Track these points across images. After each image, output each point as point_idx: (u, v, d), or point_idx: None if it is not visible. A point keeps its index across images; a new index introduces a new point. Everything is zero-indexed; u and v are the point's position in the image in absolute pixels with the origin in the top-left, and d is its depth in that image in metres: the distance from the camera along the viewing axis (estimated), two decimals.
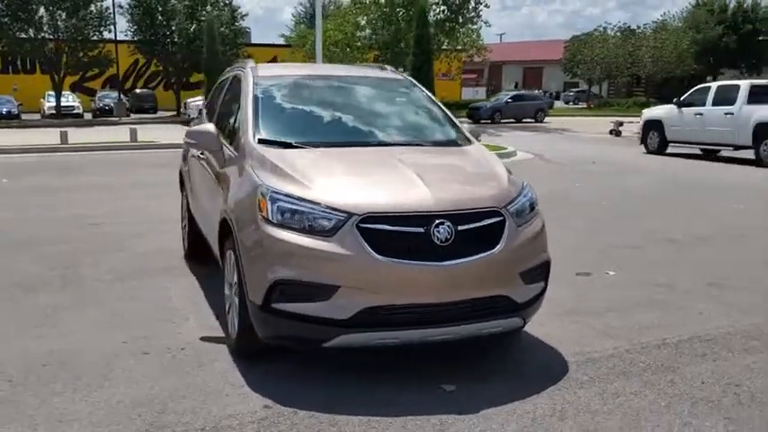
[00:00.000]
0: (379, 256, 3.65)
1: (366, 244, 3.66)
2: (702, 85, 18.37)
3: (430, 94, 5.56)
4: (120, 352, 4.40)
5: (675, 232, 8.23)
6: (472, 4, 36.49)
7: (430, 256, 3.71)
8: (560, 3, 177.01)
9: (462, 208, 3.86)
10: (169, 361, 4.26)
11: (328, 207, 3.76)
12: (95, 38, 37.49)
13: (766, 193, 11.90)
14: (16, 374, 4.03)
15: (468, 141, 4.99)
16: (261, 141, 4.52)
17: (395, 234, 3.71)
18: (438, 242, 3.72)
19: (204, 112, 6.48)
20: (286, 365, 4.16)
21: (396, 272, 3.68)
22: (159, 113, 42.08)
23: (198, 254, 6.54)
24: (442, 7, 37.04)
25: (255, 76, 5.15)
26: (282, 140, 4.55)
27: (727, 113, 16.26)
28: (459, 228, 3.78)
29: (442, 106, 5.40)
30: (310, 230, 3.76)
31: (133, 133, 20.66)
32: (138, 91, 46.11)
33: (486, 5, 36.63)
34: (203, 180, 5.39)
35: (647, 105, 41.29)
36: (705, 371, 4.16)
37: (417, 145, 4.79)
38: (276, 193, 3.90)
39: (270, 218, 3.86)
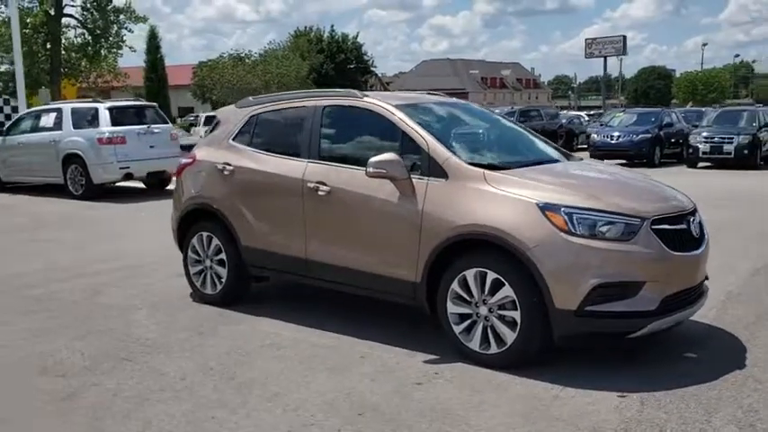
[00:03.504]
0: (671, 251, 4.41)
1: (661, 242, 4.38)
2: None
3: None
4: (383, 392, 4.29)
5: None
6: (114, 29, 35.05)
7: (693, 246, 4.60)
8: (138, 28, 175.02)
9: (693, 206, 4.82)
10: (454, 386, 4.32)
11: (622, 214, 4.37)
12: None
13: None
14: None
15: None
16: (472, 165, 4.80)
17: (672, 231, 4.49)
18: (695, 234, 4.62)
19: (249, 147, 5.98)
20: (559, 365, 4.56)
21: (681, 262, 4.48)
22: None
23: (238, 296, 6.13)
24: (81, 31, 34.97)
25: (393, 105, 5.26)
26: (488, 163, 4.89)
27: None
28: (699, 221, 4.74)
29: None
30: (610, 236, 4.32)
31: None
32: None
33: (130, 30, 35.48)
34: (346, 212, 5.21)
35: None
36: None
37: (560, 160, 5.49)
38: (569, 207, 4.35)
39: (572, 230, 4.30)
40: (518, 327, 4.43)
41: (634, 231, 4.34)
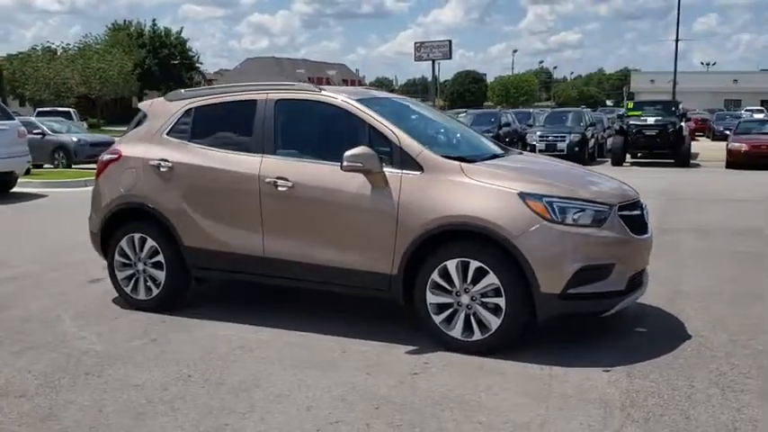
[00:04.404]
0: (634, 235, 4.79)
1: (626, 227, 4.75)
2: None
3: None
4: (387, 385, 4.31)
5: None
6: None
7: (644, 230, 5.01)
8: None
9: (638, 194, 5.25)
10: (451, 374, 4.42)
11: (595, 201, 4.69)
12: None
13: None
14: None
15: None
16: (444, 158, 4.92)
17: (630, 217, 4.88)
18: (646, 220, 5.05)
19: (190, 142, 5.65)
20: (535, 346, 4.79)
21: (639, 245, 4.88)
22: None
23: (175, 299, 5.82)
24: None
25: (355, 99, 5.24)
26: (458, 156, 5.03)
27: None
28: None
29: None
30: (585, 222, 4.62)
31: None
32: None
33: None
34: (312, 207, 5.09)
35: (98, 127, 41.82)
36: None
37: (506, 153, 5.71)
38: (548, 196, 4.60)
39: (553, 218, 4.55)
40: (503, 312, 4.60)
41: (605, 217, 4.66)
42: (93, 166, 20.85)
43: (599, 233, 4.62)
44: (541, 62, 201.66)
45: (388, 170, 4.89)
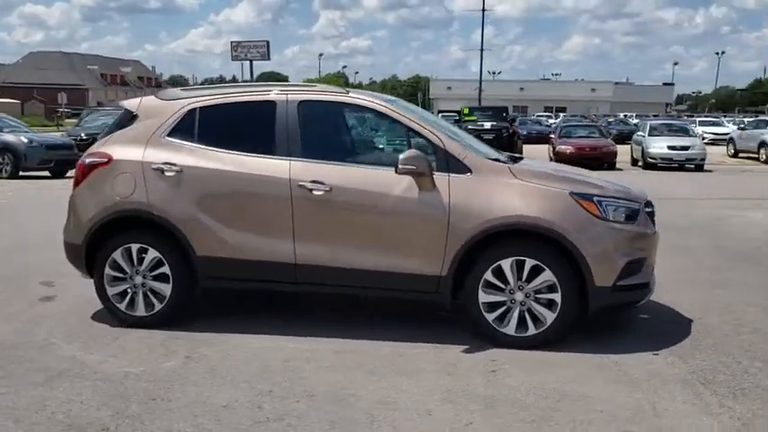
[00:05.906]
0: (656, 230, 5.26)
1: (651, 223, 5.20)
2: None
3: None
4: (479, 385, 4.39)
5: None
6: None
7: (655, 227, 5.49)
8: None
9: None
10: (526, 370, 4.58)
11: (629, 199, 5.08)
12: None
13: None
14: None
15: None
16: (491, 159, 5.09)
17: (648, 213, 5.33)
18: (654, 217, 5.54)
19: (198, 145, 5.25)
20: (576, 337, 5.07)
21: (657, 240, 5.34)
22: None
23: (181, 313, 5.42)
24: None
25: (385, 101, 5.24)
26: (495, 158, 5.20)
27: None
28: None
29: None
30: (625, 219, 4.99)
31: None
32: None
33: None
34: (355, 211, 4.96)
35: None
36: None
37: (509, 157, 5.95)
38: (599, 196, 4.92)
39: (604, 216, 4.87)
40: (558, 307, 4.82)
41: (638, 214, 5.06)
42: (46, 173, 18.28)
43: (635, 228, 4.99)
44: (344, 66, 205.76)
45: (435, 173, 4.92)
